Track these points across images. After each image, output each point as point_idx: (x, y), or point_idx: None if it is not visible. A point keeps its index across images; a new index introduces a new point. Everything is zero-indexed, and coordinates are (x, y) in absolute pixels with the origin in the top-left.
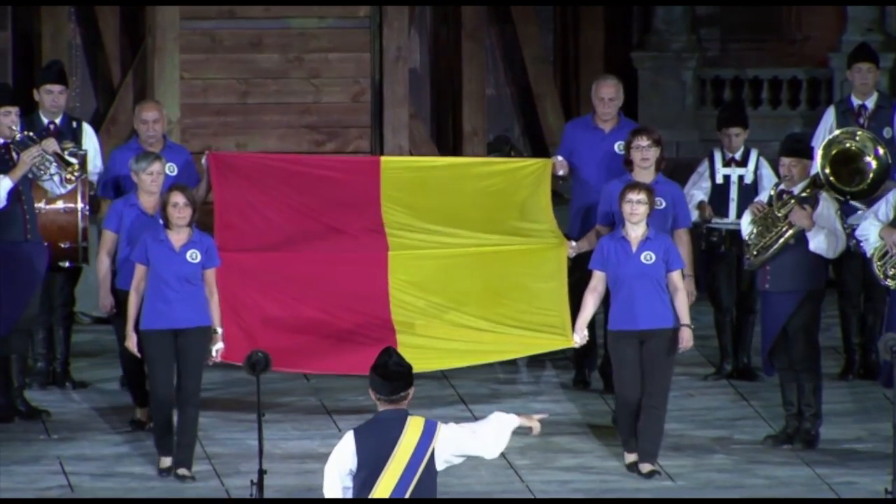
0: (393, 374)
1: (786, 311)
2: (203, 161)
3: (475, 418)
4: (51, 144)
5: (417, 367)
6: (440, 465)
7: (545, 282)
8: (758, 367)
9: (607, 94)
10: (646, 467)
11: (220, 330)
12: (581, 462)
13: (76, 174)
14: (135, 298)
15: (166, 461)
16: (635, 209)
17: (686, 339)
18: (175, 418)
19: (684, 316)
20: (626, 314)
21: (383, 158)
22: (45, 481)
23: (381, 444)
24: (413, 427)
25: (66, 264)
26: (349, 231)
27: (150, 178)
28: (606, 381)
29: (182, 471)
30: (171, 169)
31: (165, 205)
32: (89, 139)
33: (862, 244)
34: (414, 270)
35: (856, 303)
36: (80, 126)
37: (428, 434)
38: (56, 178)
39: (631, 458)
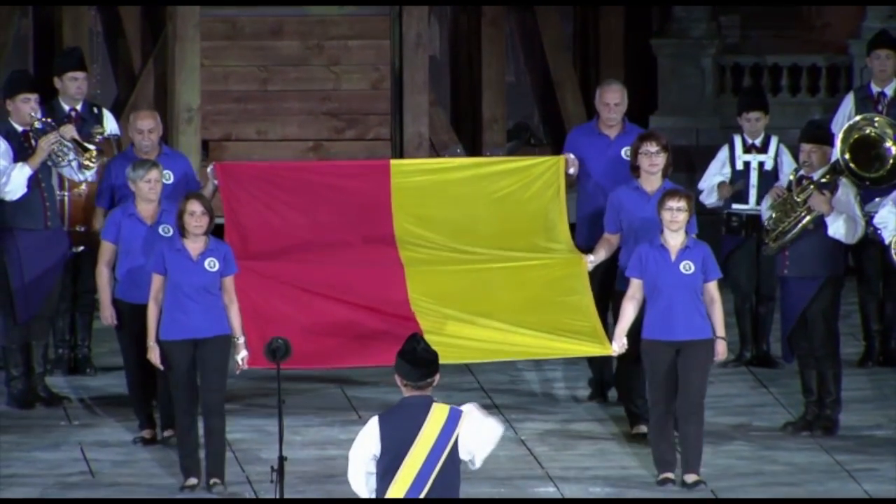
0: (421, 361)
1: (804, 297)
2: (209, 170)
3: (495, 406)
4: (68, 131)
5: (442, 360)
6: (464, 455)
7: (569, 296)
8: (777, 355)
9: (612, 99)
10: (691, 477)
11: (242, 338)
12: (600, 448)
13: (94, 160)
14: (154, 310)
15: (192, 481)
16: (675, 217)
17: (721, 351)
18: (201, 430)
19: (720, 328)
20: (663, 324)
21: (392, 162)
22: (66, 467)
23: (405, 429)
24: (437, 414)
25: (80, 248)
26: (360, 244)
27: (148, 185)
28: (622, 393)
29: (214, 481)
30: (168, 177)
31: (182, 213)
32: (110, 126)
33: (880, 231)
34: (433, 284)
35: (875, 290)
36: (100, 112)
37: (452, 421)
38: (74, 163)
39: (665, 475)
